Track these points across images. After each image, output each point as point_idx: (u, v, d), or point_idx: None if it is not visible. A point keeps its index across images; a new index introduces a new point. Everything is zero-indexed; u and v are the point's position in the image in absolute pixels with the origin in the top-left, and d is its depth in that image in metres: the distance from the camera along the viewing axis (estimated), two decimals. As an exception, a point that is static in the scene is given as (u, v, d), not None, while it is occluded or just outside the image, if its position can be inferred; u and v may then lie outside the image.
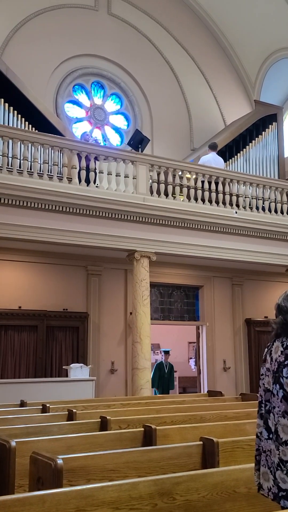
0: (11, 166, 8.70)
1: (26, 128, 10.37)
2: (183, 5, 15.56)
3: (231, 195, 10.51)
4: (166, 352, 12.72)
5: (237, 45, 15.80)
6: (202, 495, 2.74)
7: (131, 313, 10.33)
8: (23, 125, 10.50)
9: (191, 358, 15.34)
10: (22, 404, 6.66)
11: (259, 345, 12.56)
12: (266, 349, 2.36)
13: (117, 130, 14.90)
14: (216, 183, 10.42)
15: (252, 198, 10.89)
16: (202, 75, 15.60)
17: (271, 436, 2.25)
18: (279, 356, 2.23)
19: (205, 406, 6.41)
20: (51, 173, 9.11)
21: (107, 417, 5.02)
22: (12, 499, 2.33)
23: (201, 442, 3.70)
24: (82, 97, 14.45)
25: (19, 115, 10.50)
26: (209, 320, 12.32)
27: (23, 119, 10.53)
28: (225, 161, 12.38)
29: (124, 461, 3.36)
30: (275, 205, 11.01)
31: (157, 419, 5.27)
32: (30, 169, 9.03)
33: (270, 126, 13.90)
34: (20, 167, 8.90)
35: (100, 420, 5.04)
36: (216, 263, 11.37)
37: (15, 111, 10.45)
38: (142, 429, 4.40)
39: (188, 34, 15.46)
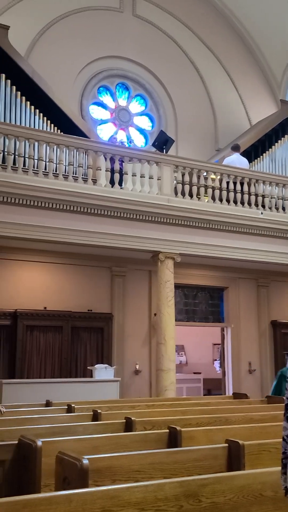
0: (37, 168, 8.80)
1: (52, 130, 10.46)
2: (208, 5, 15.51)
3: (256, 195, 10.43)
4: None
5: (263, 44, 15.68)
6: (228, 498, 2.72)
7: (155, 314, 10.35)
8: (48, 127, 10.59)
9: (215, 360, 15.27)
10: (48, 404, 6.72)
11: (285, 347, 12.41)
12: None
13: (141, 131, 14.93)
14: (241, 184, 10.35)
15: (278, 199, 10.78)
16: (227, 75, 15.52)
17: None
18: None
19: (230, 409, 6.37)
20: (76, 174, 9.17)
21: (132, 418, 5.02)
22: (39, 498, 2.35)
23: (226, 445, 3.68)
24: (107, 99, 14.52)
25: (45, 117, 10.59)
26: (234, 321, 12.24)
27: (49, 121, 10.63)
28: (250, 161, 12.29)
29: (149, 462, 3.36)
30: (302, 206, 10.88)
31: (182, 421, 5.25)
32: (56, 171, 9.11)
33: (296, 125, 13.74)
34: (45, 169, 8.99)
35: (125, 421, 5.04)
36: (241, 264, 11.29)
37: (41, 113, 10.55)
38: (167, 430, 4.39)
39: (213, 34, 15.40)
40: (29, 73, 10.80)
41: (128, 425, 4.98)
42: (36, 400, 7.19)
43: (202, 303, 12.29)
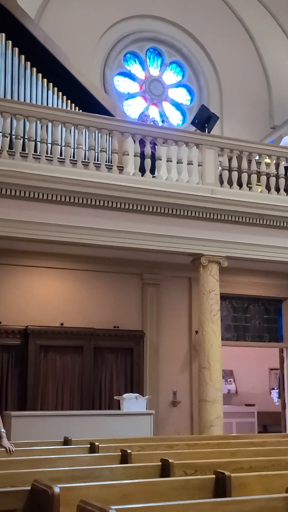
0: (51, 154, 8.88)
1: (68, 108, 10.56)
2: None
3: None
4: None
5: None
6: None
7: (197, 332, 10.30)
8: (64, 104, 10.70)
9: (273, 388, 15.11)
10: (66, 442, 6.76)
11: None
12: None
13: (178, 106, 14.93)
14: (303, 169, 10.25)
15: None
16: (284, 35, 15.38)
17: None
18: None
19: (292, 449, 6.29)
20: (98, 161, 9.24)
21: (170, 460, 5.01)
22: None
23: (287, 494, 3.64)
24: (135, 68, 14.60)
25: (60, 92, 10.71)
26: (295, 341, 12.12)
27: (65, 97, 10.73)
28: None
29: (191, 515, 3.35)
30: None
31: (231, 464, 5.21)
32: (73, 158, 9.18)
33: None
34: (61, 155, 9.05)
35: (160, 463, 5.04)
36: (304, 270, 11.17)
37: (55, 88, 10.67)
38: (213, 476, 4.37)
39: (266, -16, 15.32)
40: (41, 39, 10.92)
41: (165, 469, 4.98)
42: (52, 437, 7.24)
43: (255, 318, 12.19)
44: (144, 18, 14.25)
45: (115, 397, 9.96)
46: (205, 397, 9.14)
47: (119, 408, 9.54)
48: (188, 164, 9.50)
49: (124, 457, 5.61)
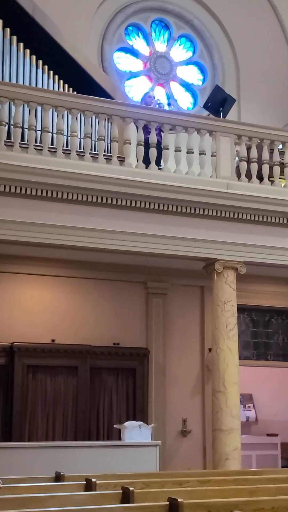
0: (40, 143, 8.90)
1: (61, 89, 10.58)
2: None
3: None
4: None
5: None
6: None
7: (210, 350, 10.30)
8: (56, 85, 10.72)
9: (299, 416, 15.07)
10: (59, 477, 6.75)
11: None
12: None
13: (188, 87, 14.95)
14: None
15: None
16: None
17: None
18: None
19: None
20: (95, 151, 9.23)
21: (179, 500, 5.00)
22: None
23: None
24: (138, 43, 14.62)
25: (51, 72, 10.74)
26: None
27: (57, 76, 10.77)
28: None
29: None
30: None
31: (251, 504, 5.20)
32: (66, 147, 9.19)
33: None
34: (52, 144, 9.06)
35: (168, 503, 5.02)
36: None
37: (46, 66, 10.71)
38: (230, 518, 4.37)
39: None
40: (29, 9, 10.94)
41: (173, 509, 4.96)
42: (42, 471, 7.22)
43: (278, 334, 12.19)
44: (148, -15, 14.32)
45: (115, 426, 9.94)
46: (220, 426, 9.13)
47: (119, 439, 9.53)
48: (200, 154, 9.52)
49: (126, 496, 5.59)
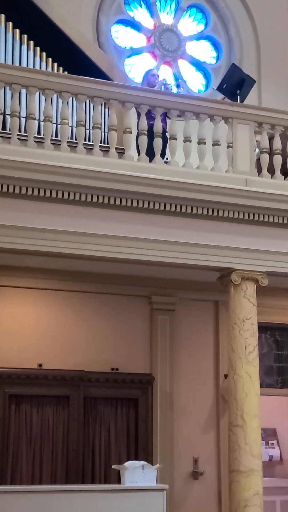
0: (25, 132, 8.89)
1: (49, 69, 10.58)
2: None
3: None
4: None
5: None
6: None
7: (226, 376, 10.24)
8: (44, 63, 10.75)
9: None
10: (45, 530, 6.69)
11: None
12: None
13: (199, 66, 14.97)
14: None
15: None
16: None
17: None
18: None
19: None
20: (90, 141, 9.17)
21: None
22: None
23: None
24: (140, 14, 14.65)
25: (38, 48, 10.76)
26: None
27: (44, 54, 10.79)
28: None
29: None
30: None
31: None
32: (56, 137, 9.16)
33: None
34: (39, 133, 9.02)
35: None
36: None
37: (31, 42, 10.72)
38: None
39: None
40: (11, -25, 10.97)
41: None
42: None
43: (306, 357, 12.14)
44: None
45: (113, 466, 9.83)
46: (238, 467, 9.09)
47: (119, 482, 9.41)
48: (213, 145, 9.52)
49: None
